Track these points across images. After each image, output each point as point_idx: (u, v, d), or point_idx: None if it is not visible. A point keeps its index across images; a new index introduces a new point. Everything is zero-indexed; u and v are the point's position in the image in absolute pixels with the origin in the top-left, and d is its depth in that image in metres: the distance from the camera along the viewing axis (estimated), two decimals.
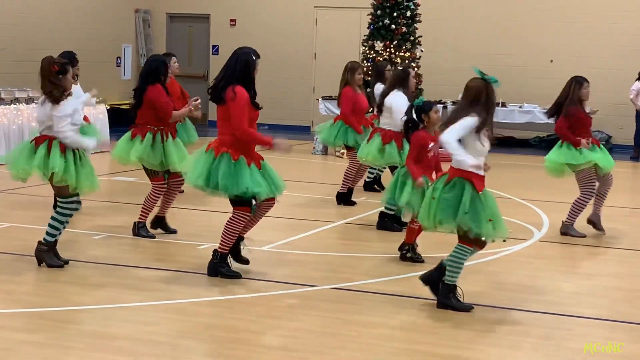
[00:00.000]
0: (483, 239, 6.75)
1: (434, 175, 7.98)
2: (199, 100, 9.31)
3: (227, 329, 6.28)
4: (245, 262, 7.78)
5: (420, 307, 6.91)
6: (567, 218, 9.68)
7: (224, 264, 7.56)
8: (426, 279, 6.96)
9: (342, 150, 16.70)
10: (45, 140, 7.58)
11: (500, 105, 17.72)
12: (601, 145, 9.72)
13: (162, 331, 6.13)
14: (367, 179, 12.38)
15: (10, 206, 10.66)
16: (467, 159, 6.54)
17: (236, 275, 7.52)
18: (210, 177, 7.30)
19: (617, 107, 18.54)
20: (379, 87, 11.26)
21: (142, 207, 9.03)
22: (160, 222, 9.19)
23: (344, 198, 11.28)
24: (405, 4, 16.95)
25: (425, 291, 7.27)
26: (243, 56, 7.45)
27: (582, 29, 19.34)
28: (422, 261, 8.21)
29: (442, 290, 6.84)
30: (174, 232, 9.18)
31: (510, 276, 8.01)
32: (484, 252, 8.45)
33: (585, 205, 9.62)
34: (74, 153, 7.60)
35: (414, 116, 8.10)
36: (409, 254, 8.30)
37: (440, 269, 6.86)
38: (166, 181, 9.02)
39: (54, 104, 7.52)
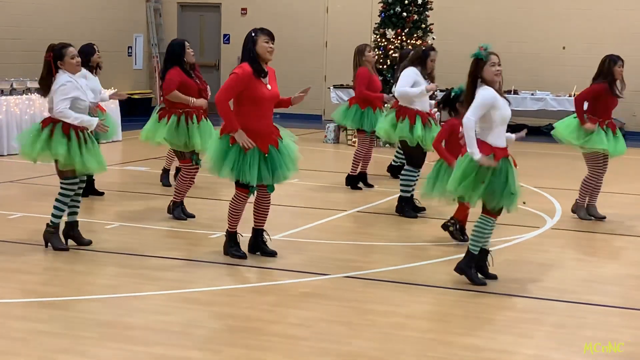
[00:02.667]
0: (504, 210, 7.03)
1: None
2: (205, 102, 9.34)
3: (239, 318, 6.29)
4: (272, 254, 7.85)
5: (433, 296, 6.92)
6: (579, 199, 9.83)
7: (233, 243, 7.78)
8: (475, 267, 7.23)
9: (353, 139, 16.70)
10: (49, 123, 7.77)
11: (512, 92, 17.67)
12: (617, 131, 9.65)
13: (175, 320, 6.15)
14: (394, 163, 12.43)
15: (24, 196, 10.69)
16: (471, 141, 6.84)
17: (241, 256, 7.73)
18: (210, 155, 7.58)
19: (631, 94, 18.44)
20: None
21: (175, 188, 9.40)
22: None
23: (353, 181, 11.35)
24: None
25: (437, 279, 7.28)
26: (246, 38, 7.60)
27: (594, 15, 19.24)
28: (465, 240, 8.31)
29: (465, 257, 7.11)
30: (192, 216, 9.38)
31: (522, 264, 8.00)
32: (496, 239, 8.46)
33: (596, 184, 9.67)
34: (78, 135, 7.68)
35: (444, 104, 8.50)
36: (451, 227, 8.40)
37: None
38: (194, 164, 9.24)
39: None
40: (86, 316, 6.25)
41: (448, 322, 6.28)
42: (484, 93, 6.89)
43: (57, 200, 7.87)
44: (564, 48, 19.41)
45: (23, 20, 17.99)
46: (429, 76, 9.88)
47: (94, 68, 10.23)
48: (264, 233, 7.92)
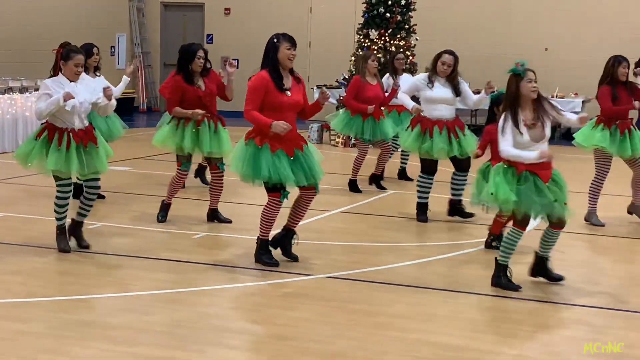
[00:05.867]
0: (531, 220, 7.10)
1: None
2: (201, 112, 9.08)
3: (224, 319, 6.29)
4: (294, 258, 7.78)
5: (417, 296, 6.93)
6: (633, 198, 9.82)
7: (264, 251, 7.62)
8: (538, 275, 7.32)
9: (337, 139, 16.73)
10: (44, 130, 7.68)
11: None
12: (632, 130, 9.51)
13: (159, 321, 6.13)
14: (402, 166, 12.53)
15: (7, 195, 10.63)
16: (529, 155, 6.84)
17: (274, 264, 7.56)
18: (242, 164, 7.39)
19: None
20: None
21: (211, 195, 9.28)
22: (214, 214, 9.31)
23: (354, 186, 11.44)
24: None
25: (422, 279, 7.30)
26: (267, 43, 7.51)
27: (577, 17, 19.33)
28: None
29: (495, 270, 7.13)
30: (229, 221, 9.27)
31: (513, 266, 8.03)
32: (478, 240, 8.47)
33: (598, 186, 9.60)
34: (70, 138, 7.59)
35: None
36: (494, 242, 8.33)
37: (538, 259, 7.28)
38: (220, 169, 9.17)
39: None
40: (68, 316, 6.22)
41: (432, 322, 6.29)
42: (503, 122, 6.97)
43: (54, 203, 7.82)
44: (546, 49, 19.49)
45: (4, 19, 17.88)
46: (449, 79, 9.45)
47: (89, 70, 10.05)
48: (294, 235, 7.82)
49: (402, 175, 12.56)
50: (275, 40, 7.48)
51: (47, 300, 6.57)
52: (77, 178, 7.98)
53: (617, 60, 9.45)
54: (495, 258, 7.14)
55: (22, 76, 15.70)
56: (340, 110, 11.93)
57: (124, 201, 10.35)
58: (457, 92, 9.47)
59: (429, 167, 9.60)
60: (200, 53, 9.07)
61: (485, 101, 9.22)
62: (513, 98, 6.99)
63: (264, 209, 7.56)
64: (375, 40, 16.73)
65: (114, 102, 8.00)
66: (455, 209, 9.72)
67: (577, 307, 6.80)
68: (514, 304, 6.82)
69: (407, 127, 9.75)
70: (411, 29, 17.07)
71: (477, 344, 5.89)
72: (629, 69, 9.52)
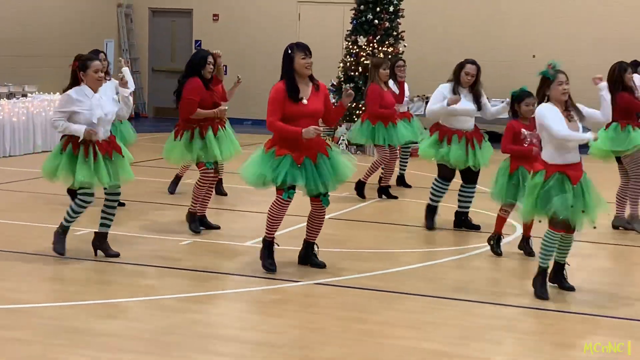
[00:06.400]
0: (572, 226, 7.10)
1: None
2: (226, 107, 9.20)
3: (210, 325, 6.28)
4: (321, 265, 7.81)
5: (406, 303, 6.93)
6: (631, 208, 9.70)
7: (267, 252, 7.63)
8: (551, 280, 7.31)
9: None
10: (67, 143, 7.68)
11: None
12: None
13: (146, 327, 6.12)
14: (400, 172, 12.57)
15: None
16: (583, 135, 6.97)
17: (272, 270, 7.56)
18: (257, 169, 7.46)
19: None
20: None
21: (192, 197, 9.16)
22: (202, 221, 9.27)
23: (360, 188, 11.47)
24: None
25: (410, 286, 7.30)
26: (284, 53, 7.55)
27: (565, 24, 19.38)
28: (500, 254, 8.41)
29: (537, 272, 7.17)
30: (217, 227, 9.27)
31: (494, 271, 8.05)
32: (471, 245, 8.49)
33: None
34: (95, 149, 7.59)
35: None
36: (492, 241, 8.44)
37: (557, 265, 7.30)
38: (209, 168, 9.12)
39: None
40: (56, 323, 6.20)
41: (420, 329, 6.29)
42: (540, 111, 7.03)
43: (70, 207, 7.85)
44: (534, 56, 19.53)
45: None
46: (472, 90, 9.38)
47: None
48: (315, 245, 7.87)
49: (401, 181, 12.56)
50: (289, 51, 7.53)
51: (34, 307, 6.54)
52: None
53: (622, 67, 9.52)
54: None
55: (9, 82, 15.64)
56: (357, 122, 11.79)
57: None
58: (478, 105, 9.38)
59: (445, 172, 9.52)
60: (210, 59, 9.11)
61: (505, 112, 9.25)
62: (543, 99, 7.08)
63: (270, 207, 7.59)
64: (363, 46, 16.75)
65: (130, 103, 8.04)
66: (462, 220, 9.68)
67: (564, 313, 6.81)
68: (502, 311, 6.82)
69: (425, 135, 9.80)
70: (399, 36, 17.10)
71: (464, 350, 5.90)
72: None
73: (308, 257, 7.88)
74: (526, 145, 8.21)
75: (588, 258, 8.66)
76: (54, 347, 5.66)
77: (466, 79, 9.32)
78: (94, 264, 7.74)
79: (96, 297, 6.80)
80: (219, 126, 9.18)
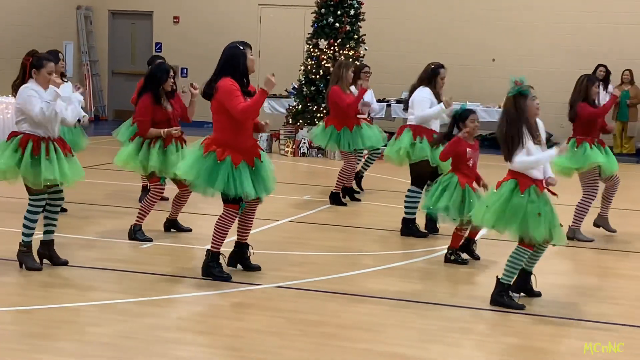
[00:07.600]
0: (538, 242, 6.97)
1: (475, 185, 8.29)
2: (177, 129, 9.00)
3: (170, 329, 6.26)
4: (256, 268, 7.77)
5: (365, 306, 6.96)
6: (573, 222, 9.58)
7: (216, 264, 7.51)
8: (519, 289, 7.20)
9: (286, 149, 16.75)
10: (26, 141, 7.46)
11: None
12: (606, 148, 9.60)
13: (106, 332, 6.09)
14: (363, 171, 12.40)
15: None
16: (548, 153, 6.86)
17: (226, 278, 7.46)
18: (197, 174, 7.30)
19: (557, 106, 18.78)
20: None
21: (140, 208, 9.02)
22: (173, 224, 9.32)
23: (337, 198, 11.33)
24: (349, 2, 16.99)
25: (370, 289, 7.33)
26: (228, 50, 7.45)
27: (524, 28, 19.57)
28: (466, 263, 8.36)
29: (497, 288, 7.02)
30: (189, 230, 9.31)
31: (452, 274, 8.11)
32: (430, 248, 8.52)
33: (589, 206, 9.57)
34: (55, 147, 7.46)
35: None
36: (452, 256, 8.36)
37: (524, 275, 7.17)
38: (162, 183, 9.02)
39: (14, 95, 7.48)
40: (14, 328, 6.16)
41: (379, 332, 6.32)
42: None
43: (25, 218, 7.57)
44: (493, 60, 19.72)
45: None
46: (436, 95, 9.47)
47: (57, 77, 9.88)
48: (248, 247, 7.82)
49: (357, 183, 12.30)
50: (241, 48, 7.43)
51: None
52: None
53: (589, 80, 9.47)
54: (497, 276, 7.06)
55: None
56: (319, 125, 11.67)
57: (69, 210, 10.23)
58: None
59: (425, 180, 9.39)
60: (171, 72, 9.04)
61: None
62: (521, 118, 6.83)
63: (220, 219, 7.49)
64: (324, 50, 16.80)
65: (80, 111, 7.92)
66: (410, 228, 9.56)
67: (522, 315, 6.87)
68: (459, 313, 6.88)
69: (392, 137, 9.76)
70: (360, 39, 17.17)
71: (423, 353, 5.93)
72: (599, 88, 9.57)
73: (241, 260, 7.81)
74: (470, 165, 8.26)
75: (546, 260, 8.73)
76: (13, 353, 5.62)
77: (442, 83, 9.47)
78: (51, 269, 7.67)
79: (54, 302, 6.75)
80: (180, 142, 9.06)
